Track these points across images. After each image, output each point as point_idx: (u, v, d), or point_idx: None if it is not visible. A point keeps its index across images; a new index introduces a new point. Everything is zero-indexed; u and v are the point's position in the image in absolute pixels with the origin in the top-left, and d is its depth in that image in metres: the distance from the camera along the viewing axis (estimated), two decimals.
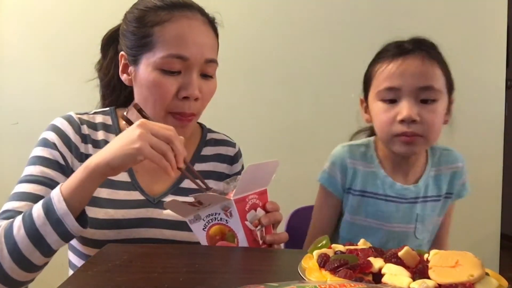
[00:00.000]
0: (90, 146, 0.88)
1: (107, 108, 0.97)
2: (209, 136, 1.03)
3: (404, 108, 0.89)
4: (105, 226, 0.83)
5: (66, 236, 0.70)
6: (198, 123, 1.05)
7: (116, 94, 1.00)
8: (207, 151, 1.00)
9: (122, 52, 0.90)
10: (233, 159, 1.02)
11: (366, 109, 1.01)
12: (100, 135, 0.91)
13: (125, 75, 0.90)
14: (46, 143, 0.85)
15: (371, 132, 1.07)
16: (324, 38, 2.00)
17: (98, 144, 0.89)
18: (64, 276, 0.68)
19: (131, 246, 0.76)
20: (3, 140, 1.92)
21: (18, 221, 0.71)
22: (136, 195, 0.88)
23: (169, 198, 0.90)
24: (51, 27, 1.92)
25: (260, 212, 0.76)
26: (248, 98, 1.95)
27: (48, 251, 0.71)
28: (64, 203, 0.69)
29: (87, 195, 0.72)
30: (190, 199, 0.73)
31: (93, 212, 0.84)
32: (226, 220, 0.73)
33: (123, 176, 0.88)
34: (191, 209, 0.74)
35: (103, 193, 0.86)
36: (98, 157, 0.70)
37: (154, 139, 0.69)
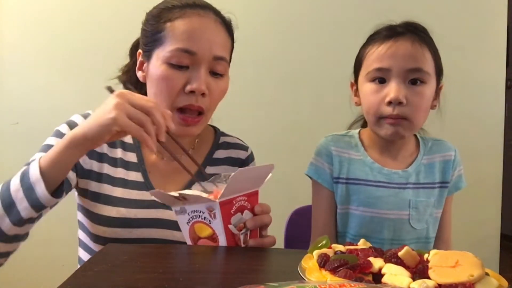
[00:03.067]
0: (105, 145, 0.90)
1: None
2: (222, 139, 1.03)
3: (392, 90, 0.90)
4: (117, 225, 0.85)
5: (36, 204, 0.69)
6: (211, 126, 1.05)
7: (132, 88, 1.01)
8: (219, 154, 1.00)
9: (139, 50, 0.92)
10: (244, 163, 1.02)
11: (356, 92, 1.01)
12: None
13: (140, 72, 0.92)
14: (58, 134, 0.88)
15: (364, 122, 1.07)
16: (325, 37, 2.00)
17: (114, 144, 0.92)
18: (64, 276, 0.68)
19: (131, 246, 0.76)
20: (3, 140, 1.92)
21: None
22: (148, 195, 0.88)
23: None
24: (51, 27, 1.92)
25: (247, 214, 0.75)
26: (248, 98, 1.95)
27: (17, 219, 0.70)
28: (38, 170, 0.69)
29: (64, 166, 0.71)
30: (175, 192, 0.72)
31: (106, 210, 0.85)
32: (210, 221, 0.71)
33: (137, 176, 0.90)
34: (177, 201, 0.73)
35: (116, 191, 0.88)
36: (76, 128, 0.70)
37: (132, 109, 0.67)
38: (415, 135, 1.04)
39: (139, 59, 0.92)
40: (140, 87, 0.97)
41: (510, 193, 2.33)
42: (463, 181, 1.03)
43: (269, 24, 1.97)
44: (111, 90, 0.75)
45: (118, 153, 0.92)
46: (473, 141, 1.98)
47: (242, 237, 0.74)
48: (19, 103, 1.91)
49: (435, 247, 1.00)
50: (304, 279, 0.54)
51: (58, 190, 0.72)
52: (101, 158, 0.90)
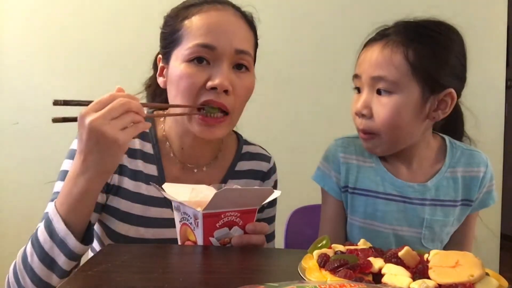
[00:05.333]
0: (125, 156, 0.85)
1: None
2: (245, 149, 0.98)
3: (358, 101, 0.84)
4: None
5: (72, 256, 0.69)
6: (235, 132, 1.00)
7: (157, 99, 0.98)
8: (242, 166, 0.96)
9: (159, 56, 0.88)
10: (266, 175, 0.98)
11: None
12: (136, 144, 0.87)
13: (161, 78, 0.88)
14: (72, 156, 0.80)
15: None
16: (325, 37, 2.00)
17: (134, 154, 0.86)
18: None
19: (131, 246, 0.76)
20: (3, 140, 1.92)
21: (29, 247, 0.71)
22: (167, 213, 0.84)
23: None
24: (51, 27, 1.92)
25: (236, 231, 0.72)
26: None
27: (62, 273, 0.70)
28: (63, 223, 0.68)
29: (87, 211, 0.71)
30: (172, 188, 0.73)
31: (123, 229, 0.83)
32: (194, 227, 0.71)
33: (156, 192, 0.85)
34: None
35: (135, 209, 0.84)
36: (88, 172, 0.66)
37: (118, 122, 0.64)
38: (444, 139, 0.93)
39: (159, 64, 0.88)
40: (160, 94, 0.94)
41: (510, 193, 2.32)
42: (493, 198, 0.91)
43: (269, 24, 1.97)
44: (63, 119, 0.67)
45: (139, 165, 0.86)
46: (473, 141, 1.98)
47: None
48: (19, 103, 1.91)
49: None
50: (304, 279, 0.54)
51: (88, 235, 0.71)
52: (121, 171, 0.84)
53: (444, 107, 0.84)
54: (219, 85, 0.78)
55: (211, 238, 0.70)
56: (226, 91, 0.79)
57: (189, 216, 0.71)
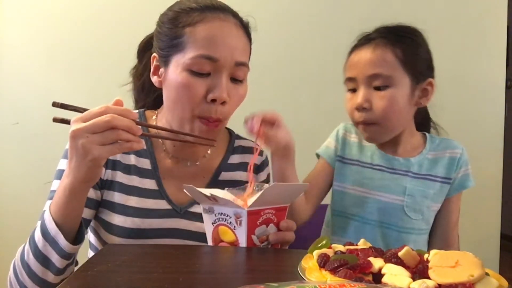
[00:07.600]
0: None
1: (136, 111, 0.95)
2: (237, 143, 1.01)
3: (358, 97, 0.95)
4: (131, 235, 0.83)
5: (63, 254, 0.71)
6: (227, 128, 1.04)
7: (148, 97, 1.00)
8: (234, 159, 0.99)
9: (154, 54, 0.89)
10: (259, 168, 1.01)
11: None
12: None
13: (155, 77, 0.89)
14: (67, 155, 0.82)
15: None
16: (325, 37, 2.00)
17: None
18: None
19: (131, 246, 0.77)
20: (3, 140, 1.92)
21: (27, 245, 0.73)
22: (163, 204, 0.87)
23: (195, 209, 0.89)
24: (51, 27, 1.92)
25: (271, 228, 0.75)
26: (248, 98, 1.95)
27: (56, 270, 0.72)
28: (54, 223, 0.70)
29: (75, 213, 0.72)
30: (207, 191, 0.73)
31: (119, 220, 0.84)
32: (235, 227, 0.71)
33: (151, 184, 0.88)
34: (207, 200, 0.74)
35: (131, 201, 0.85)
36: (70, 175, 0.68)
37: (97, 137, 0.64)
38: (424, 134, 1.06)
39: (154, 63, 0.89)
40: (153, 91, 0.96)
41: (510, 193, 2.33)
42: (471, 180, 1.02)
43: (269, 24, 1.97)
44: (61, 120, 0.68)
45: (132, 159, 0.89)
46: (473, 141, 1.98)
47: None
48: (19, 103, 1.91)
49: (435, 244, 1.01)
50: (304, 279, 0.54)
51: (79, 235, 0.73)
52: (114, 165, 0.87)
53: (427, 94, 0.98)
54: (219, 98, 0.82)
55: (252, 236, 0.71)
56: (223, 102, 0.83)
57: (228, 216, 0.72)
